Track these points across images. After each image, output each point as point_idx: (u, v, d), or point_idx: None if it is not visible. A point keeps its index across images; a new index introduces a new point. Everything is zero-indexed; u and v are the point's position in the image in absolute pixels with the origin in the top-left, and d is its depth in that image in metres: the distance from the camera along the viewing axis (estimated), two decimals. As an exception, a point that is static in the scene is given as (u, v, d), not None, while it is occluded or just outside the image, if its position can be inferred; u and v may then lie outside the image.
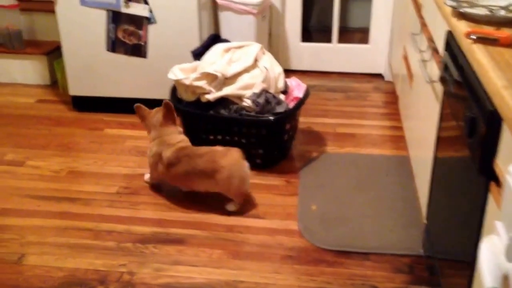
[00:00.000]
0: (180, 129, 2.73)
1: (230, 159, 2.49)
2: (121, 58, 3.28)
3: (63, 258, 2.26)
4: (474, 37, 1.55)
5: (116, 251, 2.30)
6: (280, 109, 2.78)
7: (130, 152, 3.02)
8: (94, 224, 2.46)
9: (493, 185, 1.33)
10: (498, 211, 1.28)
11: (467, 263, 1.50)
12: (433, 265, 1.98)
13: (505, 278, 1.04)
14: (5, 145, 3.11)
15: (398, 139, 3.12)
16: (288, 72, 3.58)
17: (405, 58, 3.00)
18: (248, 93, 2.79)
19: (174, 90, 2.97)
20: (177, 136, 2.64)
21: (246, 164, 2.52)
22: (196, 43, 3.15)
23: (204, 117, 2.84)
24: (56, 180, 2.80)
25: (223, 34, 3.33)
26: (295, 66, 4.06)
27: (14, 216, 2.53)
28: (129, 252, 2.30)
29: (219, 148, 2.55)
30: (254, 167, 2.85)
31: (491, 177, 1.34)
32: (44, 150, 3.06)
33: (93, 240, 2.37)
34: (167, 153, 2.55)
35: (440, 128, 1.97)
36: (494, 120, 1.31)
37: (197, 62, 2.93)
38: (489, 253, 1.03)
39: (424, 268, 2.18)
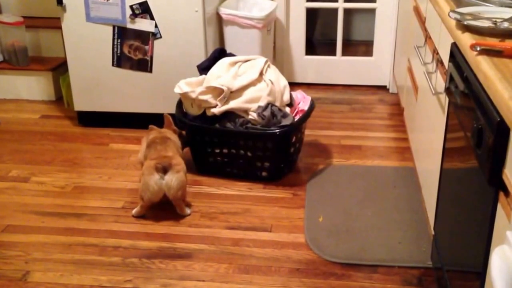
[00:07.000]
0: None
1: (146, 165, 2.55)
2: (126, 73, 3.29)
3: (68, 274, 2.25)
4: (478, 48, 1.55)
5: (121, 267, 2.29)
6: (285, 122, 2.78)
7: (136, 167, 3.00)
8: (100, 240, 2.45)
9: (502, 195, 1.32)
10: (507, 221, 1.27)
11: (477, 274, 1.49)
12: (442, 277, 1.97)
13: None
14: (10, 161, 3.11)
15: (404, 151, 3.11)
16: (293, 85, 3.59)
17: (410, 70, 3.00)
18: (253, 106, 2.79)
19: (180, 104, 2.97)
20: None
21: (156, 176, 2.50)
22: (201, 58, 3.15)
23: (210, 131, 2.84)
24: (61, 196, 2.79)
25: (228, 48, 3.34)
26: (299, 79, 4.06)
27: (19, 232, 2.52)
28: (135, 267, 2.29)
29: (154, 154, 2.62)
30: (261, 180, 2.85)
31: (500, 187, 1.33)
32: (49, 166, 3.06)
33: (99, 256, 2.36)
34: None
35: (447, 139, 1.97)
36: (501, 130, 1.30)
37: (203, 76, 2.93)
38: (501, 263, 1.02)
39: (433, 280, 2.16)
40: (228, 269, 2.27)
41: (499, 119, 1.31)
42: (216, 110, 2.81)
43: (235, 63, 2.95)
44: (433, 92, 2.13)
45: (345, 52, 4.02)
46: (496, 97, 1.34)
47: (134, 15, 3.15)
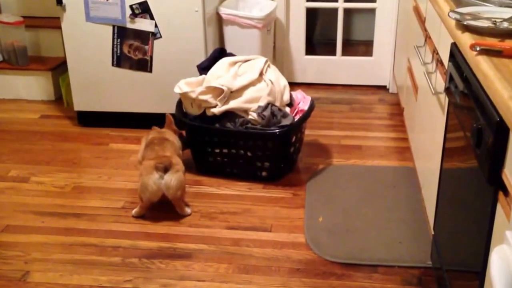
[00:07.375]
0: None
1: (144, 165, 2.55)
2: (126, 73, 3.29)
3: (68, 274, 2.25)
4: (477, 48, 1.55)
5: (121, 267, 2.29)
6: (285, 122, 2.78)
7: (136, 167, 3.01)
8: (100, 240, 2.45)
9: (501, 195, 1.32)
10: (506, 221, 1.27)
11: (476, 274, 1.49)
12: (442, 277, 1.97)
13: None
14: (10, 161, 3.11)
15: (404, 151, 3.11)
16: (293, 85, 3.59)
17: (410, 70, 3.00)
18: (253, 106, 2.79)
19: (180, 104, 2.97)
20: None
21: (155, 175, 2.49)
22: (201, 57, 3.15)
23: (210, 131, 2.84)
24: (61, 196, 2.79)
25: (228, 48, 3.34)
26: (299, 79, 4.06)
27: (19, 232, 2.52)
28: (135, 267, 2.28)
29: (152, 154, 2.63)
30: (260, 180, 2.85)
31: (499, 187, 1.33)
32: (49, 166, 3.06)
33: (98, 256, 2.36)
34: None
35: (447, 139, 1.96)
36: (501, 130, 1.30)
37: (203, 76, 2.93)
38: (500, 263, 1.02)
39: (433, 279, 2.16)
40: (228, 269, 2.27)
41: (498, 119, 1.31)
42: (216, 110, 2.81)
43: (235, 63, 2.95)
44: (433, 92, 2.13)
45: (345, 52, 4.02)
46: (496, 97, 1.33)
47: (134, 15, 3.15)
